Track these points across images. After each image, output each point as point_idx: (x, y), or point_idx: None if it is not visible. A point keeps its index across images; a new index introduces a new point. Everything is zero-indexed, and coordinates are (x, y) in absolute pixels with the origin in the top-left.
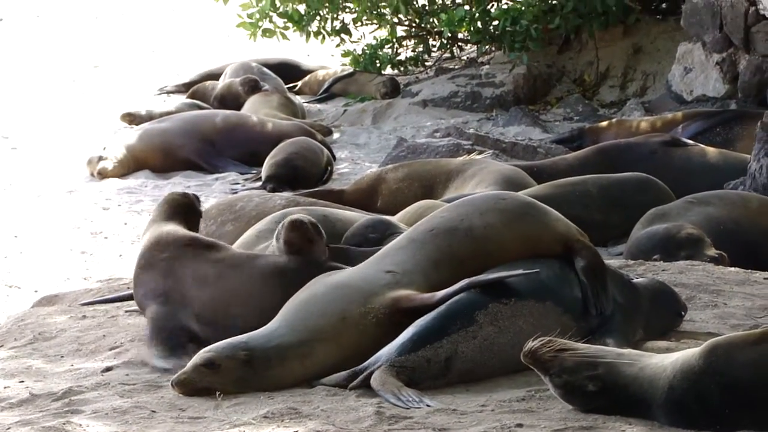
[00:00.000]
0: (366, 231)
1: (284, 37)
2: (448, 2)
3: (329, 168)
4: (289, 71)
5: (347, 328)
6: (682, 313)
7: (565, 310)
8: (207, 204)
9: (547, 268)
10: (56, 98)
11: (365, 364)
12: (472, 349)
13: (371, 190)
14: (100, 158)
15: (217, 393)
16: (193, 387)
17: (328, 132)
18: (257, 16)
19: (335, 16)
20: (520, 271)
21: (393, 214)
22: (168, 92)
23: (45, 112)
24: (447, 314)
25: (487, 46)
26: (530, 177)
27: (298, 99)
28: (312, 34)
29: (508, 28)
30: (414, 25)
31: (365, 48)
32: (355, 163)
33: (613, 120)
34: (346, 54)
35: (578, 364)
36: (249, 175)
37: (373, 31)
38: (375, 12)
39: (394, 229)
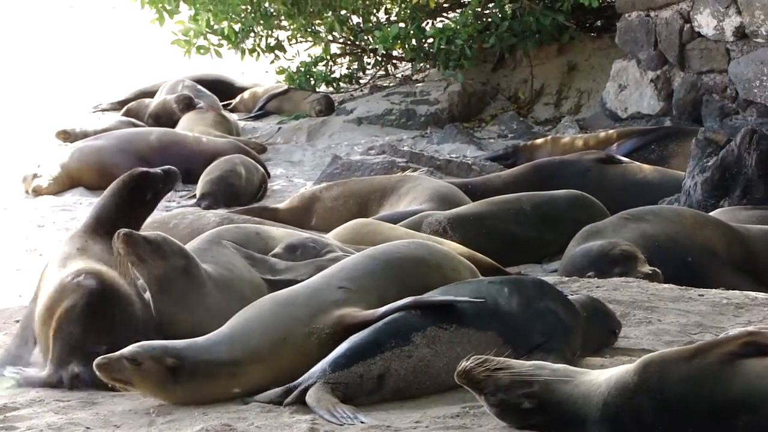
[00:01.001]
0: (306, 240)
1: (218, 54)
2: (383, 20)
3: (263, 185)
4: (223, 89)
5: (287, 350)
6: (617, 331)
7: (507, 341)
8: None
9: (495, 297)
10: None
11: (300, 380)
12: (405, 368)
13: (306, 208)
14: (35, 176)
15: (151, 409)
16: (110, 375)
17: (262, 149)
18: (192, 33)
19: (270, 33)
20: (467, 299)
21: (328, 232)
22: (102, 110)
23: None
24: (383, 331)
25: (421, 64)
26: (464, 194)
27: (232, 116)
28: (247, 51)
29: (442, 47)
30: (348, 42)
31: (300, 65)
32: (289, 181)
33: (548, 137)
34: (280, 71)
35: (513, 381)
36: (183, 193)
37: (307, 49)
38: (309, 29)
39: (331, 249)
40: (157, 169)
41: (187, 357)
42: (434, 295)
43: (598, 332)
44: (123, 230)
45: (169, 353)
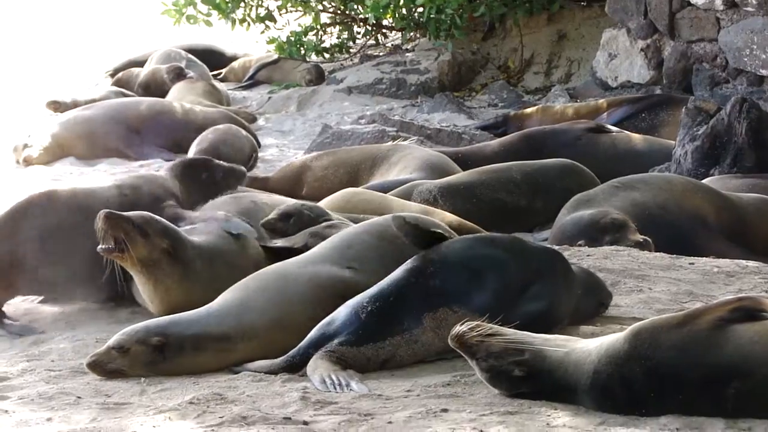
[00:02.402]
0: (302, 208)
1: (208, 24)
2: None
3: (254, 155)
4: (213, 58)
5: (283, 331)
6: (606, 303)
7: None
8: None
9: (506, 287)
10: None
11: (302, 350)
12: (408, 353)
13: (296, 177)
14: (25, 146)
15: (142, 378)
16: (103, 369)
17: (253, 119)
18: (182, 2)
19: (260, 2)
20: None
21: (318, 200)
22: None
23: None
24: (396, 307)
25: (411, 33)
26: (455, 163)
27: (222, 86)
28: (237, 21)
29: (432, 16)
30: (339, 11)
31: (290, 35)
32: (280, 150)
33: (538, 106)
34: (270, 41)
35: (505, 349)
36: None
37: (297, 18)
38: None
39: (329, 217)
40: (225, 164)
41: (172, 333)
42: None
43: (589, 303)
44: (105, 210)
45: (153, 332)
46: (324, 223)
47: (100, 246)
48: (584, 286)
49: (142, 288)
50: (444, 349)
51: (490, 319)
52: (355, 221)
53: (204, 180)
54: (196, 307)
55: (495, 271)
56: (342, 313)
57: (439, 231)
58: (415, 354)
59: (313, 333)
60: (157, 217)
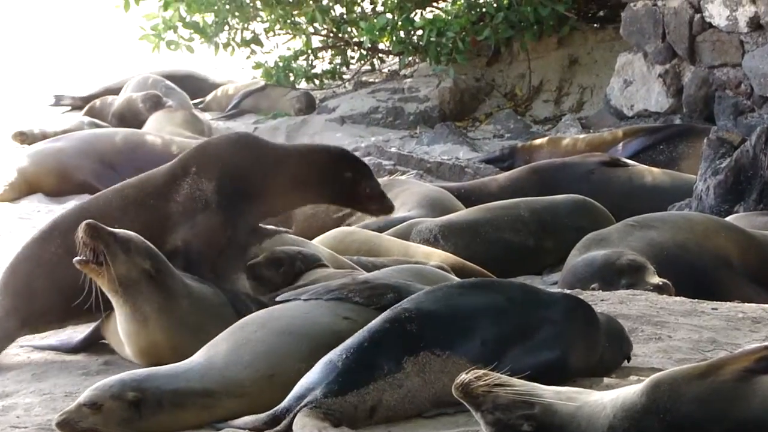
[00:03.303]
0: (297, 256)
1: (190, 50)
2: (368, 10)
3: None
4: (194, 85)
5: (272, 387)
6: (629, 354)
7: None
8: None
9: (498, 332)
10: None
11: (286, 404)
12: (396, 399)
13: (285, 215)
14: None
15: None
16: (73, 428)
17: None
18: (161, 26)
19: (245, 25)
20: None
21: (308, 240)
22: (64, 104)
23: None
24: (374, 352)
25: (410, 58)
26: (457, 199)
27: (204, 116)
28: (221, 45)
29: (433, 39)
30: (331, 34)
31: (278, 60)
32: None
33: (548, 138)
34: (257, 66)
35: (513, 401)
36: None
37: (286, 42)
38: (288, 21)
39: (320, 263)
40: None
41: (150, 387)
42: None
43: (611, 355)
44: (87, 220)
45: (128, 386)
46: (313, 275)
47: (76, 257)
48: (609, 335)
49: (118, 313)
50: (436, 396)
51: (484, 365)
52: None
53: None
54: (175, 351)
55: (484, 315)
56: (319, 366)
57: (385, 299)
58: (404, 400)
59: (296, 389)
60: (143, 238)
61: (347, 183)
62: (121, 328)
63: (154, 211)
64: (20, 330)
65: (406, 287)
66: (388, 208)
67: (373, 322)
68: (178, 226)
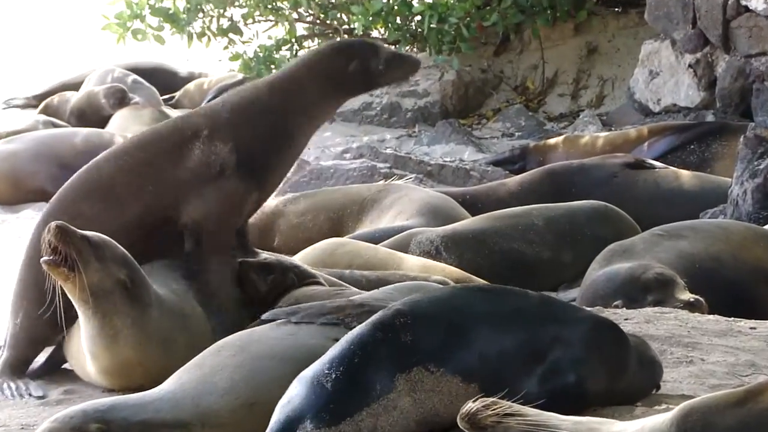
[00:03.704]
0: (292, 270)
1: (160, 40)
2: None
3: None
4: (164, 80)
5: (253, 416)
6: (659, 382)
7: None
8: None
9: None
10: None
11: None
12: (389, 423)
13: (266, 225)
14: None
15: None
16: None
17: None
18: (126, 14)
19: (222, 12)
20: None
21: (293, 254)
22: (16, 106)
23: None
24: (367, 370)
25: (408, 47)
26: (461, 207)
27: (175, 113)
28: (194, 35)
29: (433, 26)
30: (318, 21)
31: (258, 50)
32: None
33: (564, 136)
34: (234, 57)
35: None
36: None
37: (267, 30)
38: (270, 6)
39: (318, 281)
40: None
41: (114, 419)
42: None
43: (641, 382)
44: (56, 222)
45: (91, 417)
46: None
47: (44, 257)
48: (639, 359)
49: (86, 326)
50: (423, 418)
51: (480, 384)
52: (340, 278)
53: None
54: (144, 368)
55: (483, 325)
56: (303, 386)
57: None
58: (396, 424)
59: (278, 415)
60: (117, 244)
61: (357, 73)
62: (86, 343)
63: (166, 179)
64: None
65: None
66: (413, 63)
67: (361, 327)
68: (190, 198)
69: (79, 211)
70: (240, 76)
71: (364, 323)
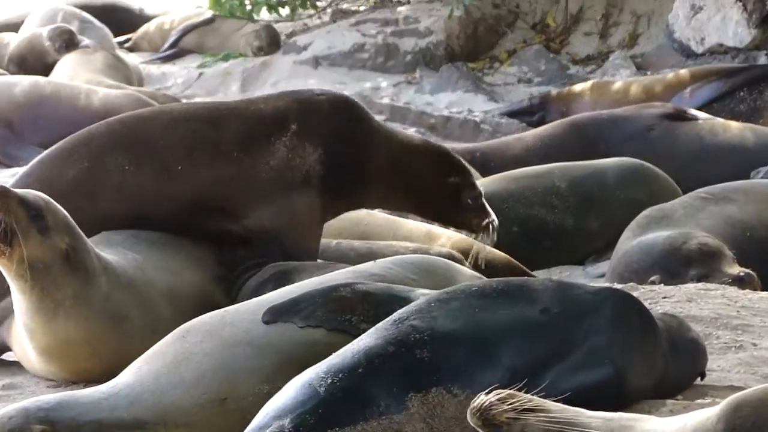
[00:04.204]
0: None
1: None
2: None
3: None
4: (119, 19)
5: (225, 415)
6: (704, 371)
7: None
8: None
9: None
10: None
11: None
12: None
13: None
14: None
15: None
16: None
17: None
18: None
19: None
20: None
21: None
22: None
23: None
24: (371, 383)
25: None
26: (471, 166)
27: (132, 58)
28: None
29: None
30: None
31: None
32: None
33: (591, 82)
34: None
35: (548, 431)
36: None
37: None
38: None
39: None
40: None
41: (62, 419)
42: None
43: (680, 371)
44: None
45: (35, 417)
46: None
47: None
48: (676, 345)
49: (22, 301)
50: None
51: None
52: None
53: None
54: (92, 348)
55: (514, 337)
56: (292, 387)
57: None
58: None
59: (258, 417)
60: (58, 205)
61: (449, 190)
62: (23, 319)
63: (237, 169)
64: None
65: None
66: (491, 224)
67: (371, 339)
68: (265, 202)
69: (104, 168)
70: (209, 13)
71: (373, 332)
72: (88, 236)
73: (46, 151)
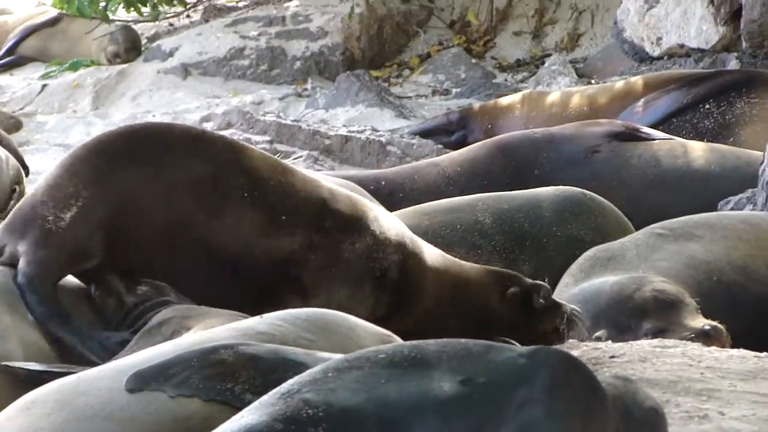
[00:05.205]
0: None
1: None
2: None
3: (18, 189)
4: None
5: None
6: None
7: None
8: None
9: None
10: None
11: None
12: None
13: None
14: None
15: None
16: None
17: (15, 125)
18: None
19: None
20: None
21: None
22: None
23: None
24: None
25: None
26: (374, 197)
27: None
28: None
29: None
30: None
31: None
32: None
33: (522, 93)
34: None
35: None
36: None
37: None
38: None
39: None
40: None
41: None
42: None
43: None
44: None
45: None
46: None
47: None
48: (630, 417)
49: None
50: None
51: None
52: None
53: None
54: None
55: (428, 414)
56: None
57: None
58: None
59: None
60: None
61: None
62: None
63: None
64: None
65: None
66: (575, 314)
67: (255, 414)
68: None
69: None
70: (54, 12)
71: (258, 406)
72: None
73: None
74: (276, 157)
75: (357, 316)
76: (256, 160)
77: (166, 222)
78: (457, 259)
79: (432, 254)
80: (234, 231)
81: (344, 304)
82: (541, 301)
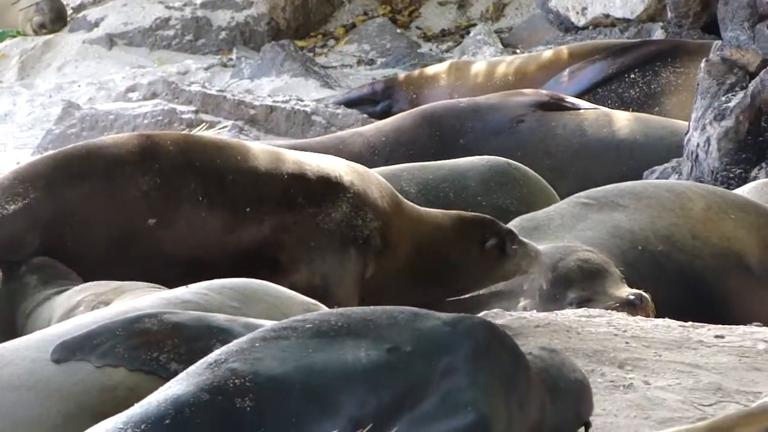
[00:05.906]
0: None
1: None
2: None
3: None
4: None
5: None
6: (588, 419)
7: None
8: None
9: (375, 395)
10: None
11: None
12: None
13: None
14: None
15: None
16: None
17: None
18: None
19: None
20: None
21: None
22: None
23: None
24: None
25: None
26: None
27: None
28: None
29: None
30: None
31: None
32: None
33: (448, 63)
34: None
35: None
36: None
37: None
38: None
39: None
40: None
41: None
42: None
43: (561, 420)
44: None
45: None
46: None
47: None
48: (556, 387)
49: None
50: None
51: None
52: None
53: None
54: None
55: (356, 382)
56: None
57: None
58: None
59: None
60: None
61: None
62: None
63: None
64: None
65: (239, 331)
66: (537, 254)
67: (181, 384)
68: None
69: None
70: None
71: (184, 376)
72: None
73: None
74: (201, 125)
75: (348, 282)
76: (209, 156)
77: (114, 235)
78: (432, 210)
79: (412, 212)
80: (191, 236)
81: (331, 274)
82: (514, 247)
